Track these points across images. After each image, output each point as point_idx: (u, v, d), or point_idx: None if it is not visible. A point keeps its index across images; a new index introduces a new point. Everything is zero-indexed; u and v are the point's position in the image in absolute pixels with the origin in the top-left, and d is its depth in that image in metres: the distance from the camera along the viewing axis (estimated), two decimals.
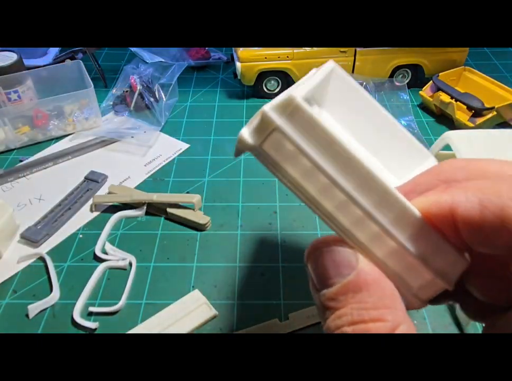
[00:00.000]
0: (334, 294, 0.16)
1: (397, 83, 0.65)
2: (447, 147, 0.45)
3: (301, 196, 0.17)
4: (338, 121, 0.29)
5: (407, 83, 0.66)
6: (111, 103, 0.64)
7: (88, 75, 0.59)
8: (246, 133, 0.17)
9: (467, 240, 0.15)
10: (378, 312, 0.15)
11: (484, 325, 0.19)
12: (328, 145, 0.16)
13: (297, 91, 0.16)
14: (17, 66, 0.58)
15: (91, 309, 0.39)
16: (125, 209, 0.48)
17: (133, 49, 0.73)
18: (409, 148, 0.28)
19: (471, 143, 0.43)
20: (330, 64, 0.27)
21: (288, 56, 0.62)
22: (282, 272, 0.42)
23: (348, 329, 0.15)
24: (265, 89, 0.66)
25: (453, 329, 0.38)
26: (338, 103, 0.29)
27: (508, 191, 0.13)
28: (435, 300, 0.20)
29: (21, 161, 0.56)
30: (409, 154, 0.28)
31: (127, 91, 0.63)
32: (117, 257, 0.43)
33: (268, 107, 0.16)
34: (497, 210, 0.13)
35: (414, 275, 0.16)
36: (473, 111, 0.57)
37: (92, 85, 0.57)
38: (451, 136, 0.44)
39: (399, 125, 0.28)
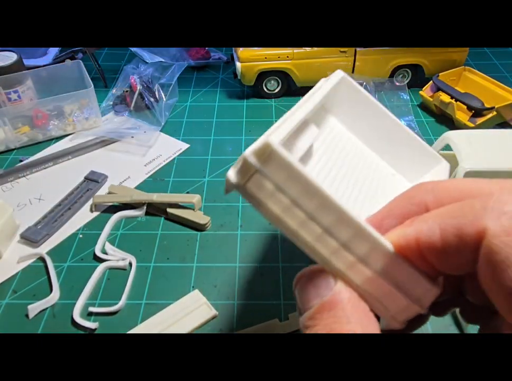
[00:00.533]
0: (312, 314, 0.17)
1: (397, 83, 0.65)
2: (447, 147, 0.45)
3: (283, 229, 0.19)
4: (348, 127, 0.30)
5: (407, 83, 0.66)
6: (111, 103, 0.64)
7: (88, 75, 0.59)
8: (232, 174, 0.19)
9: (437, 266, 0.16)
10: (350, 326, 0.16)
11: (479, 327, 0.20)
12: (304, 186, 0.18)
13: (274, 136, 0.18)
14: (17, 66, 0.58)
15: (91, 309, 0.39)
16: (125, 209, 0.48)
17: (133, 49, 0.73)
18: (421, 153, 0.29)
19: (470, 143, 0.43)
20: (339, 74, 0.29)
21: (287, 56, 0.62)
22: (282, 272, 0.42)
23: None
24: (265, 89, 0.66)
25: (453, 330, 0.38)
26: (348, 109, 0.30)
27: (463, 210, 0.14)
28: (440, 313, 0.21)
29: (21, 161, 0.56)
30: (420, 159, 0.29)
31: (127, 91, 0.63)
32: (117, 257, 0.43)
33: (248, 152, 0.18)
34: (455, 230, 0.14)
35: (390, 300, 0.17)
36: (473, 111, 0.57)
37: (92, 86, 0.57)
38: (451, 136, 0.44)
39: (410, 131, 0.29)
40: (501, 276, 0.13)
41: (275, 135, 0.18)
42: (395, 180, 0.31)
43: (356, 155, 0.30)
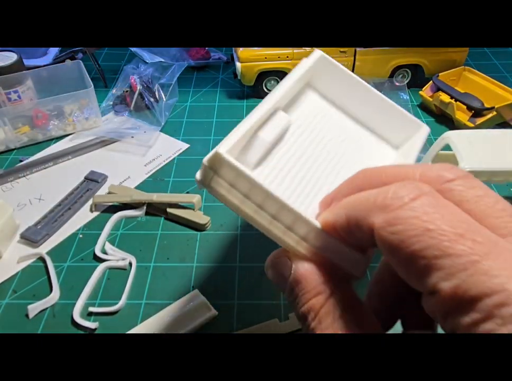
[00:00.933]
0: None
1: (397, 83, 0.65)
2: (447, 147, 0.45)
3: (243, 216, 0.24)
4: (330, 102, 0.34)
5: (407, 83, 0.66)
6: (111, 103, 0.64)
7: (88, 75, 0.59)
8: (198, 176, 0.24)
9: (349, 241, 0.20)
10: (316, 289, 0.20)
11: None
12: (249, 183, 0.23)
13: (223, 146, 0.23)
14: (17, 66, 0.58)
15: (91, 309, 0.39)
16: (125, 209, 0.48)
17: (133, 49, 0.73)
18: (403, 121, 0.33)
19: (471, 143, 0.43)
20: (317, 53, 0.32)
21: (287, 56, 0.62)
22: None
23: (303, 309, 0.20)
24: (265, 89, 0.66)
25: None
26: (330, 85, 0.34)
27: (361, 204, 0.18)
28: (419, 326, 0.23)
29: (21, 161, 0.56)
30: (403, 126, 0.33)
31: (127, 91, 0.63)
32: (117, 257, 0.43)
33: (205, 160, 0.23)
34: (354, 219, 0.18)
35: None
36: (473, 111, 0.57)
37: (92, 86, 0.57)
38: (451, 136, 0.44)
39: (389, 100, 0.32)
40: (394, 257, 0.16)
41: (225, 144, 0.24)
42: (380, 148, 0.34)
43: (337, 128, 0.34)
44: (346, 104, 0.34)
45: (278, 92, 0.28)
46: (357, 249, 0.21)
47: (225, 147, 0.23)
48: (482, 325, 0.13)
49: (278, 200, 0.22)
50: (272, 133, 0.29)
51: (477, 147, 0.43)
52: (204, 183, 0.24)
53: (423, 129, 0.32)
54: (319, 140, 0.32)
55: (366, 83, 0.33)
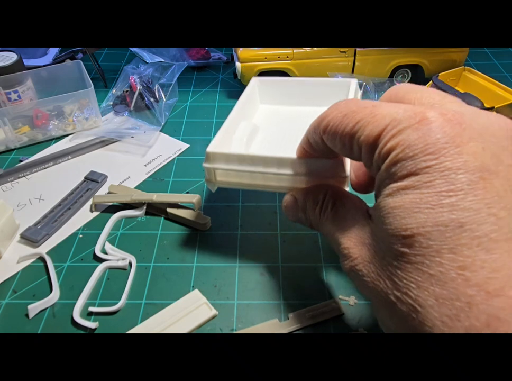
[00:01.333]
0: (305, 221, 0.29)
1: (397, 83, 0.65)
2: None
3: (248, 187, 0.33)
4: (283, 104, 0.46)
5: None
6: (111, 103, 0.64)
7: (88, 75, 0.59)
8: (207, 178, 0.34)
9: (320, 153, 0.28)
10: (316, 200, 0.28)
11: None
12: (237, 158, 0.32)
13: (210, 146, 0.33)
14: (17, 66, 0.58)
15: (91, 309, 0.39)
16: (125, 209, 0.48)
17: (133, 49, 0.73)
18: (336, 85, 0.43)
19: None
20: (253, 80, 0.46)
21: (287, 56, 0.62)
22: (282, 272, 0.42)
23: (315, 214, 0.28)
24: None
25: None
26: (276, 94, 0.46)
27: (311, 125, 0.26)
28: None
29: (21, 161, 0.56)
30: (339, 88, 0.42)
31: (127, 91, 0.63)
32: (117, 257, 0.43)
33: (204, 164, 0.33)
34: (310, 133, 0.27)
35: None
36: None
37: (92, 86, 0.57)
38: None
39: (321, 78, 0.44)
40: (335, 142, 0.24)
41: (211, 144, 0.33)
42: None
43: (295, 115, 0.44)
44: (293, 99, 0.45)
45: (235, 108, 0.40)
46: (330, 157, 0.28)
47: (211, 146, 0.33)
48: (385, 148, 0.20)
49: (258, 157, 0.30)
50: (244, 133, 0.39)
51: None
52: (212, 181, 0.33)
53: (352, 82, 0.42)
54: (285, 127, 0.42)
55: (297, 78, 0.45)
